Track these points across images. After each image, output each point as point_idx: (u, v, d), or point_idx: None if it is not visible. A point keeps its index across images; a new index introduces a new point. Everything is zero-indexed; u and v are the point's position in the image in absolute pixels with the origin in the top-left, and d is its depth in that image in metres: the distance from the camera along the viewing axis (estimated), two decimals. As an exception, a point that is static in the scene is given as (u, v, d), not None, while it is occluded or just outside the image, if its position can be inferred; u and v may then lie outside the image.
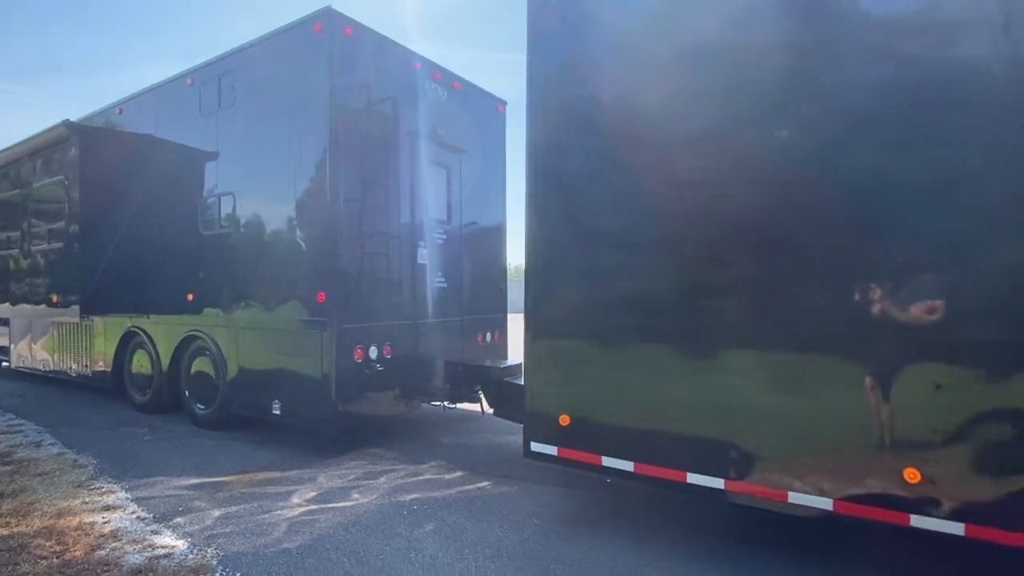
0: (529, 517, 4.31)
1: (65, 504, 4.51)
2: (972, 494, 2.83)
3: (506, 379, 5.58)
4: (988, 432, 2.80)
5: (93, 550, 3.77)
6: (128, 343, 7.93)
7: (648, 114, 3.77)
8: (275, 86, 6.04)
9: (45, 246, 8.87)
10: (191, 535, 4.02)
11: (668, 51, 3.72)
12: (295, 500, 4.65)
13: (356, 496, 4.72)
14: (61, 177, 8.40)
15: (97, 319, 8.26)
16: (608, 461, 3.86)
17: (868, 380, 3.05)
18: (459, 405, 6.58)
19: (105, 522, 4.21)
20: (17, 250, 9.45)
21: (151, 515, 4.35)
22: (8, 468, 5.42)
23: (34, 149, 8.89)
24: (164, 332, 7.31)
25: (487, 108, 7.58)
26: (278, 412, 5.93)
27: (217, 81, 6.56)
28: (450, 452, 5.96)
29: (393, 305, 6.16)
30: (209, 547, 3.83)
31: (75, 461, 5.65)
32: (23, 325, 9.73)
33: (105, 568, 3.53)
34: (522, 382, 4.47)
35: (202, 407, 6.91)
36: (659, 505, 4.47)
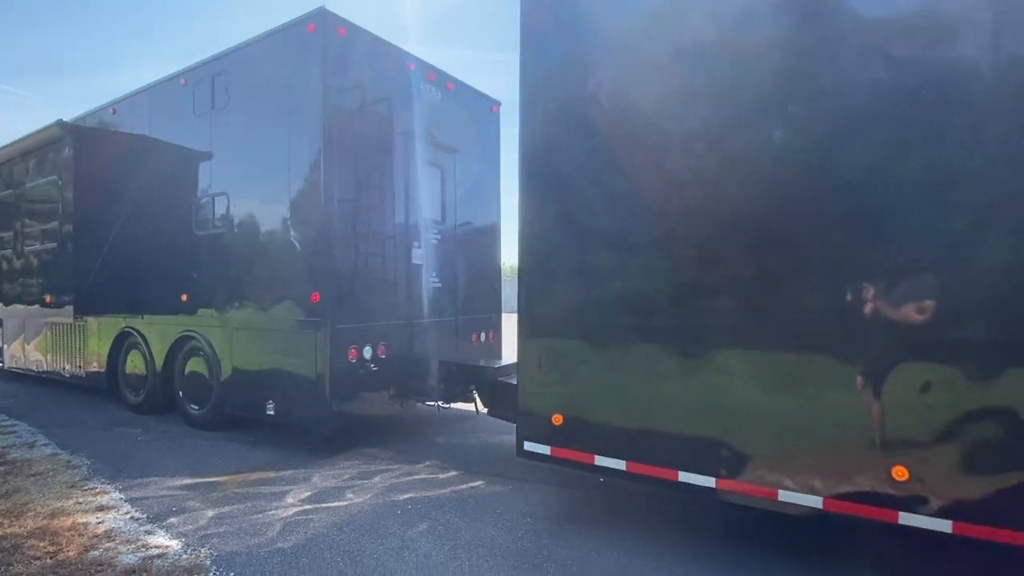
0: (523, 516, 4.33)
1: (59, 505, 4.51)
2: (959, 492, 2.86)
3: (500, 379, 5.60)
4: (975, 431, 2.84)
5: (87, 550, 3.77)
6: (122, 343, 7.91)
7: (641, 114, 3.79)
8: (269, 87, 6.04)
9: (38, 246, 8.85)
10: (185, 535, 4.03)
11: (661, 51, 3.73)
12: (289, 500, 4.66)
13: (350, 496, 4.73)
14: (55, 177, 8.39)
15: (91, 319, 8.24)
16: (601, 460, 3.88)
17: (858, 379, 3.08)
18: (453, 405, 6.60)
19: (99, 522, 4.21)
20: (10, 250, 9.43)
21: (145, 515, 4.35)
22: (1, 469, 5.41)
23: (28, 149, 8.87)
24: (158, 332, 7.30)
25: (481, 108, 7.60)
26: (272, 412, 5.93)
27: (211, 81, 6.56)
28: (444, 452, 5.98)
29: (388, 305, 6.17)
30: (203, 547, 3.84)
31: (69, 462, 5.64)
32: (16, 326, 9.69)
33: (99, 568, 3.54)
34: (515, 382, 4.49)
35: (196, 407, 6.91)
36: (653, 504, 4.49)
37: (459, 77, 7.18)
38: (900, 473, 2.96)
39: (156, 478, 5.17)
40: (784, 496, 3.26)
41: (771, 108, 3.36)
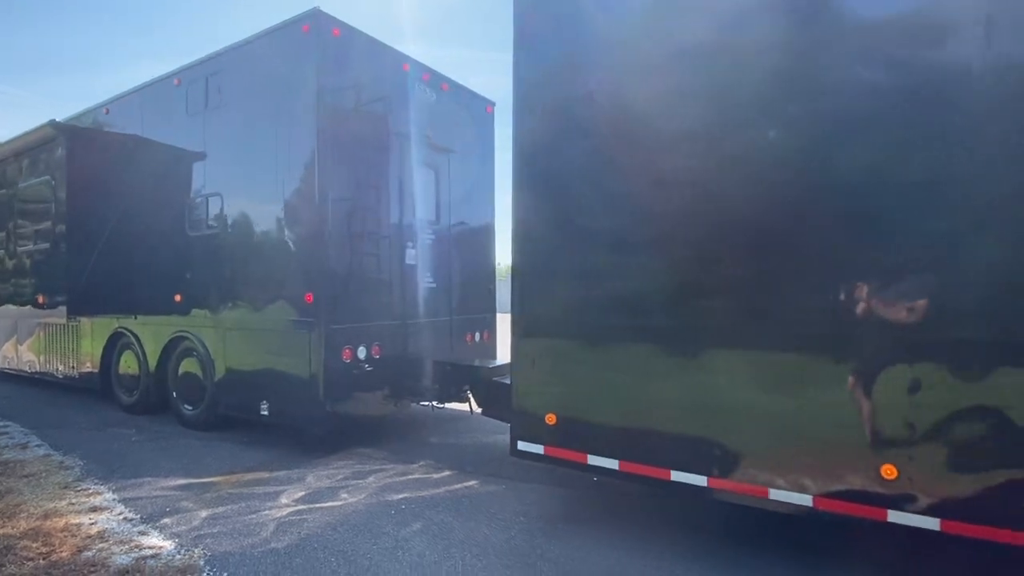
0: (516, 515, 4.34)
1: (51, 505, 4.50)
2: (947, 490, 2.89)
3: (494, 379, 5.62)
4: (962, 429, 2.87)
5: (80, 551, 3.77)
6: (115, 344, 7.89)
7: (634, 114, 3.81)
8: (263, 87, 6.05)
9: (31, 247, 8.84)
10: (178, 535, 4.03)
11: (655, 51, 3.76)
12: (283, 500, 4.66)
13: (344, 496, 4.74)
14: (47, 177, 8.38)
15: (84, 320, 8.21)
16: (593, 459, 3.90)
17: (848, 379, 3.11)
18: (448, 405, 6.61)
19: (92, 523, 4.20)
20: (3, 251, 9.41)
21: (138, 516, 4.35)
22: (-6, 470, 5.40)
23: (21, 149, 8.85)
24: (151, 333, 7.29)
25: (476, 109, 7.62)
26: (266, 413, 5.93)
27: (204, 82, 6.55)
28: (439, 451, 5.99)
29: (382, 305, 6.18)
30: (196, 547, 3.84)
31: (61, 462, 5.63)
32: (9, 326, 9.65)
33: (92, 569, 3.54)
34: (509, 382, 4.51)
35: (190, 408, 6.90)
36: (648, 504, 4.52)
37: (454, 77, 7.21)
38: (889, 472, 2.99)
39: (150, 479, 5.17)
40: (775, 494, 3.28)
41: (765, 109, 3.38)
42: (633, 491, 4.56)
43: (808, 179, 3.25)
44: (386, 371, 6.08)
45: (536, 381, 4.16)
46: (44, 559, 3.65)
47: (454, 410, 6.78)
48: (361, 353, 5.83)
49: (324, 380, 5.51)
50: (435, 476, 5.24)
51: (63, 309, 8.25)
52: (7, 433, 6.81)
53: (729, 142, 3.48)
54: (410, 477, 5.21)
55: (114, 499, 4.69)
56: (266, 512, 4.42)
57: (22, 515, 4.31)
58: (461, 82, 7.36)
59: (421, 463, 5.59)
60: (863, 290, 3.07)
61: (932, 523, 2.91)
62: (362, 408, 6.00)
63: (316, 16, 5.53)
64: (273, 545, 3.88)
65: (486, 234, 7.83)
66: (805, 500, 3.20)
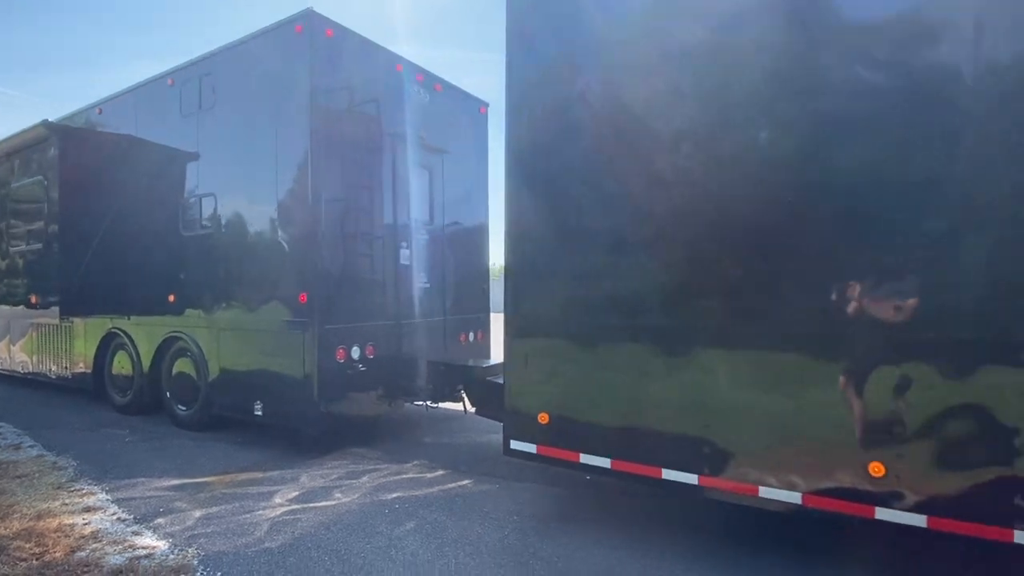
0: (509, 514, 4.37)
1: (45, 506, 4.50)
2: (934, 488, 2.93)
3: (488, 378, 5.64)
4: (949, 427, 2.90)
5: (73, 551, 3.77)
6: (108, 344, 7.87)
7: (627, 114, 3.84)
8: (256, 87, 6.05)
9: (24, 247, 8.81)
10: (172, 535, 4.03)
11: (652, 52, 3.77)
12: (277, 500, 4.67)
13: (338, 495, 4.75)
14: (40, 177, 8.36)
15: (77, 320, 8.20)
16: (586, 458, 3.92)
17: (837, 378, 3.14)
18: (442, 404, 6.62)
19: (85, 523, 4.21)
20: (-4, 251, 9.37)
21: (132, 516, 4.35)
22: (-14, 471, 5.39)
23: (13, 149, 8.83)
24: (145, 333, 7.28)
25: (469, 109, 7.63)
26: (260, 413, 5.94)
27: (198, 82, 6.55)
28: (432, 451, 6.01)
29: (376, 306, 6.19)
30: (190, 547, 3.85)
31: (55, 463, 5.63)
32: (1, 327, 9.61)
33: (85, 569, 3.54)
34: (502, 381, 4.53)
35: (183, 408, 6.90)
36: (641, 503, 4.55)
37: (449, 77, 7.23)
38: (877, 469, 3.02)
39: (143, 479, 5.17)
40: (764, 492, 3.32)
41: (756, 110, 3.41)
42: (627, 490, 4.60)
43: (798, 180, 3.29)
44: (380, 371, 6.10)
45: (529, 381, 4.19)
46: (37, 559, 3.65)
47: (448, 410, 6.80)
48: (355, 353, 5.84)
49: (318, 380, 5.52)
50: (429, 475, 5.26)
51: (56, 310, 8.24)
52: (0, 434, 6.79)
53: (722, 142, 3.51)
54: (404, 476, 5.22)
55: (108, 499, 4.69)
56: (260, 512, 4.43)
57: (15, 516, 4.31)
58: (455, 83, 7.38)
59: (415, 463, 5.61)
60: (851, 290, 3.10)
61: (919, 520, 2.95)
62: (356, 408, 6.01)
63: (309, 17, 5.53)
64: (267, 545, 3.90)
65: (480, 234, 7.85)
66: (794, 498, 3.24)
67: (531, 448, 4.15)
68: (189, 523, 4.24)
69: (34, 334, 8.93)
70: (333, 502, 4.62)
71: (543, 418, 4.09)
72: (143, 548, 3.83)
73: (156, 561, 3.66)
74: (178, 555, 3.74)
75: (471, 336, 7.56)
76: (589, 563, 3.63)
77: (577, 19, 4.06)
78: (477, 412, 5.80)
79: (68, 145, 7.99)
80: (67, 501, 4.63)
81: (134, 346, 7.41)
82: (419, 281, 6.71)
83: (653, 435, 3.68)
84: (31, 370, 9.07)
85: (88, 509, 4.47)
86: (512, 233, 4.26)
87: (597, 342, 3.92)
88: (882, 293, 3.04)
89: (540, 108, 4.17)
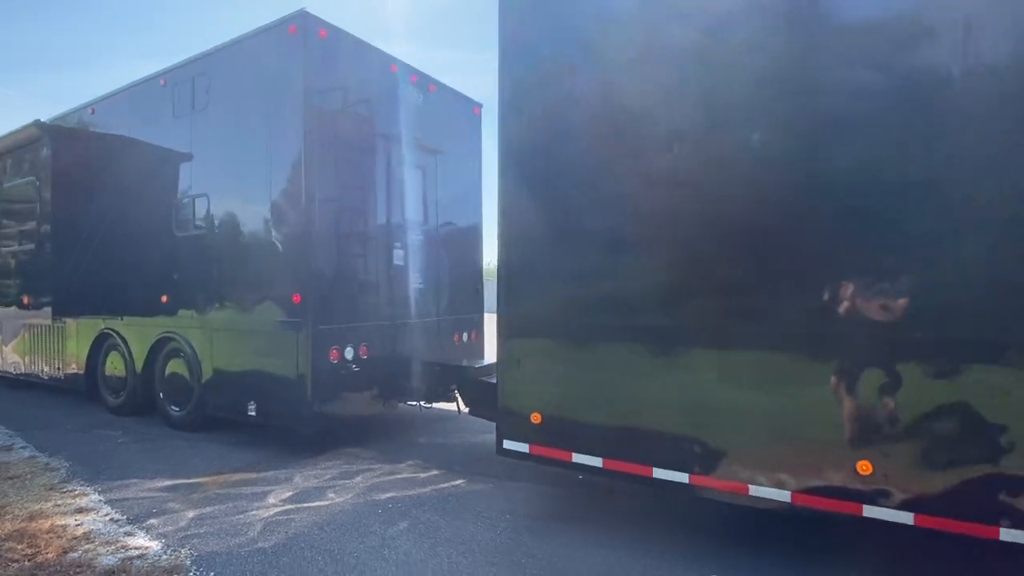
0: (502, 514, 4.38)
1: (37, 507, 4.50)
2: (920, 485, 2.96)
3: (481, 378, 5.66)
4: (935, 426, 2.94)
5: (65, 552, 3.77)
6: (101, 345, 7.85)
7: (620, 115, 3.86)
8: (249, 88, 6.05)
9: (16, 247, 8.78)
10: (165, 536, 4.03)
11: (645, 52, 3.79)
12: (270, 500, 4.67)
13: (332, 495, 4.76)
14: (32, 178, 8.33)
15: (69, 321, 8.17)
16: (578, 457, 3.95)
17: (825, 377, 3.17)
18: (436, 405, 6.64)
19: (78, 524, 4.20)
20: (-12, 251, 9.33)
21: (124, 517, 4.35)
22: (-22, 472, 5.37)
23: (4, 149, 8.79)
24: (138, 334, 7.26)
25: (463, 110, 7.65)
26: (254, 413, 5.94)
27: (191, 82, 6.54)
28: (426, 451, 6.02)
29: (369, 306, 6.20)
30: (183, 547, 3.85)
31: (47, 464, 5.61)
32: (-7, 327, 9.58)
33: (78, 570, 3.54)
34: (495, 381, 4.54)
35: (177, 409, 6.89)
36: (634, 502, 4.57)
37: (446, 78, 7.27)
38: (864, 468, 3.06)
39: (136, 480, 5.16)
40: (754, 491, 3.35)
41: (750, 110, 3.43)
42: (621, 490, 4.62)
43: (791, 180, 3.31)
44: (374, 371, 6.10)
45: (521, 381, 4.21)
46: (29, 560, 3.65)
47: (442, 410, 6.81)
48: (349, 353, 5.85)
49: (312, 381, 5.53)
50: (422, 475, 5.27)
51: (48, 310, 8.21)
52: (-8, 435, 6.77)
53: (715, 143, 3.53)
54: (397, 476, 5.24)
55: (100, 500, 4.68)
56: (253, 512, 4.43)
57: (7, 517, 4.30)
58: (451, 84, 7.42)
59: (409, 463, 5.62)
60: (841, 290, 3.13)
61: (906, 518, 2.99)
62: (350, 408, 6.02)
63: (303, 17, 5.54)
64: (260, 545, 3.90)
65: (473, 234, 7.87)
66: (784, 496, 3.27)
67: (524, 448, 4.18)
68: (182, 523, 4.24)
69: (26, 335, 8.89)
70: (327, 502, 4.62)
71: (536, 418, 4.11)
72: (136, 549, 3.84)
73: (149, 561, 3.66)
74: (171, 555, 3.74)
75: (465, 336, 7.57)
76: (583, 562, 3.65)
77: (569, 19, 4.08)
78: (470, 412, 5.83)
79: (61, 145, 7.97)
80: (59, 502, 4.62)
81: (127, 347, 7.39)
82: (413, 281, 6.72)
83: (644, 434, 3.71)
84: (23, 371, 9.04)
85: (81, 510, 4.47)
86: (504, 233, 4.28)
87: (589, 342, 3.94)
88: (871, 293, 3.07)
89: (533, 108, 4.18)
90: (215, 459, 5.77)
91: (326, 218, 5.73)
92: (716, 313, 3.53)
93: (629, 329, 3.79)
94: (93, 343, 7.87)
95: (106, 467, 5.52)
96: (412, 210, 6.78)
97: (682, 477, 3.57)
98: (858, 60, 3.14)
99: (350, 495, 4.77)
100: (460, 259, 7.56)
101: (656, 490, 3.75)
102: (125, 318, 7.43)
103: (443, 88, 7.25)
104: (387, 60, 6.47)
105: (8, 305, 9.03)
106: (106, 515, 4.39)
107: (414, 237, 6.77)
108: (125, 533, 4.08)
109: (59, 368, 8.40)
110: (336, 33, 5.86)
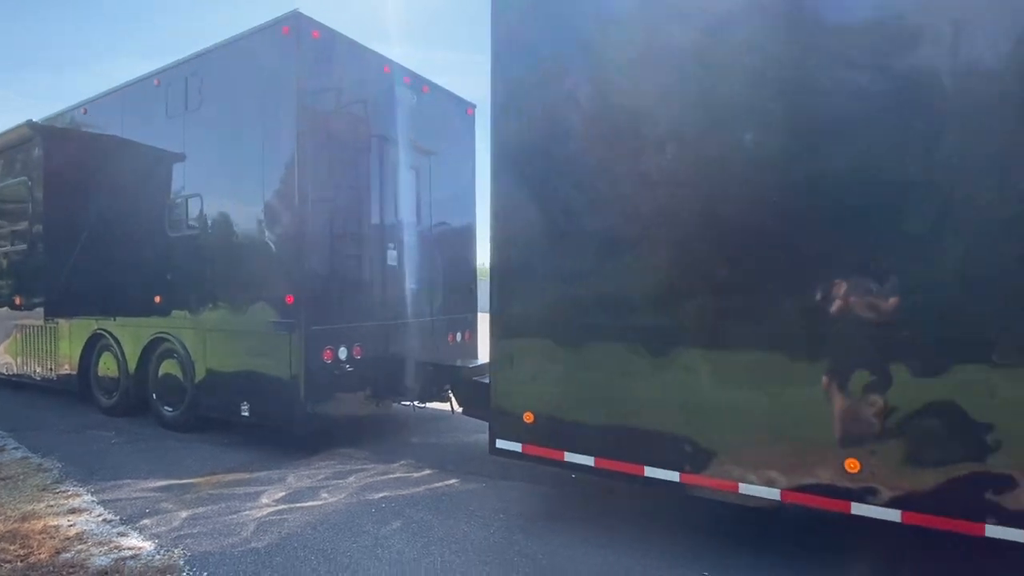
0: (495, 513, 4.40)
1: (30, 508, 4.49)
2: (907, 483, 3.00)
3: (474, 378, 5.67)
4: (922, 425, 2.97)
5: (58, 552, 3.77)
6: (94, 346, 7.82)
7: (613, 116, 3.89)
8: (243, 89, 6.05)
9: (8, 248, 8.75)
10: (158, 536, 4.04)
11: (639, 53, 3.81)
12: (264, 500, 4.68)
13: (325, 495, 4.77)
14: (24, 178, 8.30)
15: (62, 321, 8.14)
16: (570, 457, 3.97)
17: (815, 376, 3.20)
18: (429, 404, 6.65)
19: (71, 525, 4.20)
20: (-21, 252, 9.29)
21: (118, 517, 4.35)
22: (-30, 473, 5.35)
23: (-3, 149, 8.76)
24: (131, 334, 7.25)
25: (456, 111, 7.67)
26: (247, 414, 5.94)
27: (184, 83, 6.54)
28: (419, 451, 6.04)
29: (363, 306, 6.21)
30: (176, 547, 3.86)
31: (40, 465, 5.60)
32: (-15, 328, 9.53)
33: (71, 570, 3.54)
34: (488, 381, 4.57)
35: (170, 409, 6.88)
36: (628, 501, 4.60)
37: (439, 79, 7.27)
38: (852, 465, 3.09)
39: (129, 480, 5.16)
40: (744, 489, 3.38)
41: (743, 111, 3.45)
42: (615, 489, 4.64)
43: (788, 181, 3.34)
44: (367, 371, 6.11)
45: (514, 380, 4.23)
46: (22, 561, 3.65)
47: (435, 410, 6.82)
48: (342, 354, 5.85)
49: (305, 381, 5.54)
50: (415, 475, 5.29)
51: (40, 311, 8.18)
52: (-17, 436, 6.74)
53: (708, 143, 3.55)
54: (391, 476, 5.25)
55: (93, 501, 4.68)
56: (246, 512, 4.44)
57: (-1, 518, 4.30)
58: (446, 85, 7.43)
59: (402, 462, 5.63)
60: (831, 290, 3.16)
61: (894, 515, 3.02)
62: (343, 408, 6.02)
63: (296, 18, 5.54)
64: (253, 544, 3.91)
65: (467, 235, 7.88)
66: (773, 494, 3.30)
67: (517, 447, 4.20)
68: (175, 524, 4.24)
69: (19, 335, 8.85)
70: (320, 502, 4.63)
71: (528, 417, 4.13)
72: (129, 549, 3.84)
73: (142, 562, 3.66)
74: (164, 556, 3.75)
75: (459, 336, 7.59)
76: (574, 560, 3.67)
77: (563, 19, 4.10)
78: (464, 412, 5.84)
79: (53, 145, 7.95)
80: (52, 503, 4.61)
81: (120, 347, 7.38)
82: (407, 282, 6.73)
83: (636, 433, 3.74)
84: (15, 372, 9.00)
85: (73, 511, 4.47)
86: (497, 234, 4.30)
87: (581, 342, 3.96)
88: (860, 293, 3.11)
89: (525, 109, 4.20)
90: (208, 459, 5.77)
91: (319, 218, 5.74)
92: (707, 313, 3.56)
93: (620, 329, 3.81)
94: (86, 344, 7.84)
95: (99, 468, 5.51)
96: (405, 210, 6.79)
97: (673, 476, 3.60)
98: (856, 60, 3.16)
99: (343, 495, 4.78)
100: (454, 259, 7.57)
101: (647, 488, 3.77)
102: (118, 319, 7.42)
103: (436, 89, 7.26)
104: (380, 61, 6.47)
105: (0, 306, 9.00)
106: (99, 516, 4.39)
107: (408, 237, 6.78)
108: (118, 533, 4.08)
109: (52, 369, 8.37)
110: (329, 34, 5.87)
